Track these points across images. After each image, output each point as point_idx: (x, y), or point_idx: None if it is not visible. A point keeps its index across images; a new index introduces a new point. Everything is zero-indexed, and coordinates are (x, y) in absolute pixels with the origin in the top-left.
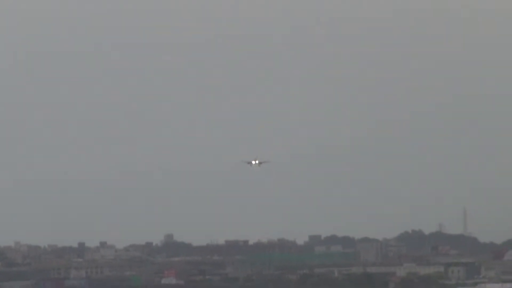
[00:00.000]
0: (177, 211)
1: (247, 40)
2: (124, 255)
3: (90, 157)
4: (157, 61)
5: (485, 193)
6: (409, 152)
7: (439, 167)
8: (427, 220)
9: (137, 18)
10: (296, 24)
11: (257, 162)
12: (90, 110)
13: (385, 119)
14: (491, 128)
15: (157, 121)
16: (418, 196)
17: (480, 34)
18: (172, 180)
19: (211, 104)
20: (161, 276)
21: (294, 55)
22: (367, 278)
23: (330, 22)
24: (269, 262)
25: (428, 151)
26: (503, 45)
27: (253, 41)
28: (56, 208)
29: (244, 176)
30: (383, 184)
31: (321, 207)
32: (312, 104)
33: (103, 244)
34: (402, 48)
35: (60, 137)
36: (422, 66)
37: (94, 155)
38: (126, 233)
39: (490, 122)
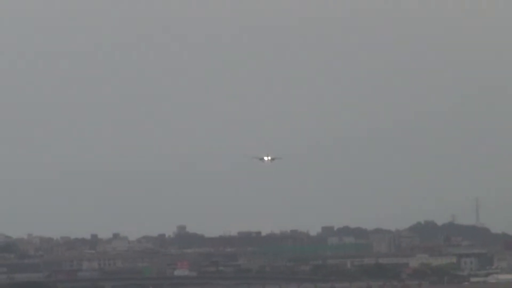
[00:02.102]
0: (189, 203)
1: (262, 32)
2: (137, 247)
3: (103, 150)
4: (172, 58)
5: (497, 184)
6: (422, 144)
7: (451, 159)
8: (439, 211)
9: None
10: (312, 17)
11: (269, 158)
12: (106, 103)
13: (398, 112)
14: (504, 120)
15: (170, 115)
16: (430, 187)
17: None
18: (184, 172)
19: (225, 98)
20: (174, 268)
21: (310, 47)
22: (379, 269)
23: (347, 15)
24: (281, 253)
25: (441, 143)
26: None
27: (267, 32)
28: (68, 199)
29: (257, 168)
30: (395, 175)
31: (333, 198)
32: (326, 97)
33: (115, 236)
34: (418, 42)
35: (72, 129)
36: (439, 61)
37: (107, 148)
38: (138, 224)
39: (504, 114)
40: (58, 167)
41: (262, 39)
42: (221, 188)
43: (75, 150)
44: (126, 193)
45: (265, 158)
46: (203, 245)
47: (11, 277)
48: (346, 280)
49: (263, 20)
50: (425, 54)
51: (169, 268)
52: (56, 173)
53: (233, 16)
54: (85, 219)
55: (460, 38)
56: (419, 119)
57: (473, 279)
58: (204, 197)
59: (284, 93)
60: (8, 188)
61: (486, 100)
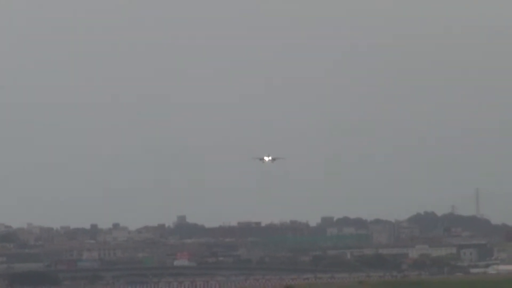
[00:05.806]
0: (189, 193)
1: (269, 30)
2: (137, 237)
3: (104, 139)
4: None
5: (497, 175)
6: (421, 134)
7: (451, 149)
8: (439, 202)
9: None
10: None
11: (270, 158)
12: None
13: (397, 102)
14: (505, 110)
15: (171, 106)
16: (430, 177)
17: None
18: (184, 161)
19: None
20: (174, 258)
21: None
22: (379, 260)
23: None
24: (281, 243)
25: (441, 133)
26: None
27: (274, 29)
28: (68, 189)
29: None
30: (395, 165)
31: (333, 189)
32: (329, 84)
33: (115, 226)
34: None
35: (75, 118)
36: (457, 57)
37: (108, 137)
38: (138, 214)
39: (504, 105)
40: (57, 157)
41: (269, 37)
42: (220, 178)
43: (76, 140)
44: (126, 183)
45: (266, 159)
46: (203, 235)
47: (11, 266)
48: (345, 270)
49: (270, 18)
50: (432, 51)
51: (169, 258)
52: (56, 163)
53: (238, 15)
54: (85, 209)
55: None
56: (420, 110)
57: (473, 270)
58: (204, 188)
59: (286, 83)
60: (8, 178)
61: (486, 90)
